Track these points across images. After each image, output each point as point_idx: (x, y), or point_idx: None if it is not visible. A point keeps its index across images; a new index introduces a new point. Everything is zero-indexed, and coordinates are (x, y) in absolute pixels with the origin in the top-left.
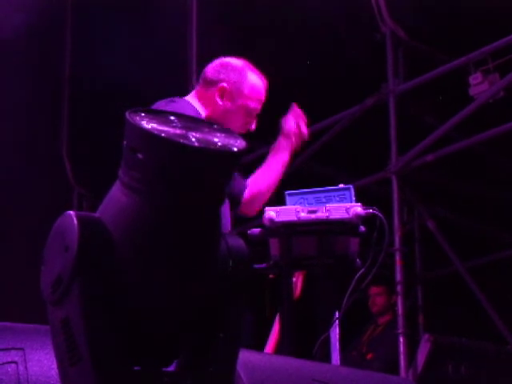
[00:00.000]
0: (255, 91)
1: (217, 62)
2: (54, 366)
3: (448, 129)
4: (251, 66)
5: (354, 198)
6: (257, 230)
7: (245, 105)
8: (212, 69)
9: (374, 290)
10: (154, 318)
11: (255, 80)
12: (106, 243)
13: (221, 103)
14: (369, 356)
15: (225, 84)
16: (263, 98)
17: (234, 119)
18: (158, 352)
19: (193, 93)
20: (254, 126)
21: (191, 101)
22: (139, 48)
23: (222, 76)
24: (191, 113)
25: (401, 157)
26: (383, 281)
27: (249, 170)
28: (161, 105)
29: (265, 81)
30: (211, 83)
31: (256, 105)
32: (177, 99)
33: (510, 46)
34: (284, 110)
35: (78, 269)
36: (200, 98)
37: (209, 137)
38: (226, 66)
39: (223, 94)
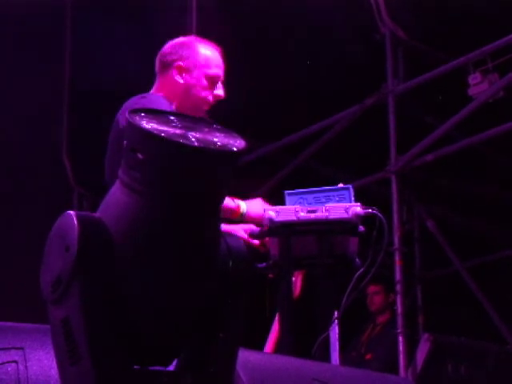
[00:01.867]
0: (210, 59)
1: (166, 45)
2: (54, 365)
3: (448, 128)
4: (200, 39)
5: (353, 198)
6: (257, 230)
7: (204, 74)
8: (163, 53)
9: (371, 288)
10: (154, 318)
11: (207, 49)
12: (106, 243)
13: (181, 81)
14: (367, 356)
15: (179, 62)
16: (221, 63)
17: (198, 92)
18: (157, 352)
19: (155, 85)
20: (223, 93)
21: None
22: (139, 48)
23: (174, 56)
24: (164, 105)
25: (400, 156)
26: (381, 279)
27: (248, 169)
28: (134, 100)
29: (218, 48)
30: (166, 66)
31: (216, 71)
32: (147, 95)
33: (510, 45)
34: (283, 110)
35: (78, 268)
36: (162, 86)
37: (208, 137)
38: (175, 45)
39: (180, 71)
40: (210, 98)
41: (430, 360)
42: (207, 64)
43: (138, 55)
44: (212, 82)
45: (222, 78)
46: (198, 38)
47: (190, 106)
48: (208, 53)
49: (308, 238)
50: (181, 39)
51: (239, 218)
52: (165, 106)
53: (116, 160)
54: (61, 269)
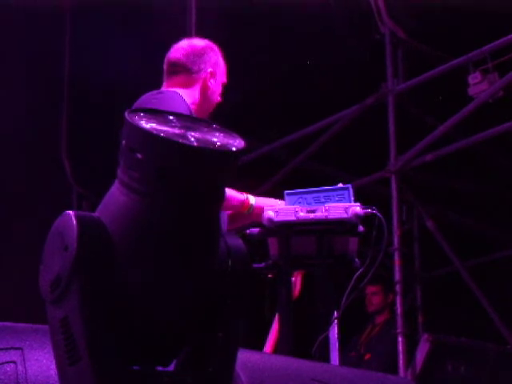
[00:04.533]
0: (224, 67)
1: (188, 48)
2: (53, 365)
3: (447, 128)
4: (218, 49)
5: (352, 198)
6: (256, 230)
7: (222, 82)
8: (191, 56)
9: (370, 289)
10: (153, 318)
11: (221, 57)
12: (105, 243)
13: (211, 86)
14: (367, 356)
15: (210, 68)
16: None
17: (215, 97)
18: (157, 352)
19: (174, 82)
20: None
21: (177, 91)
22: (139, 47)
23: (206, 60)
24: (180, 102)
25: (400, 156)
26: (379, 280)
27: (247, 169)
28: (148, 97)
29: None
30: (196, 71)
31: (226, 78)
32: (164, 90)
33: (509, 45)
34: (283, 110)
35: (77, 268)
36: (185, 86)
37: (208, 136)
38: (204, 50)
39: (211, 76)
40: (217, 99)
41: (429, 360)
42: (223, 72)
43: (137, 55)
44: (222, 88)
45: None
46: (216, 46)
47: (205, 108)
48: (222, 61)
49: (307, 237)
50: (201, 42)
51: (248, 210)
52: (180, 103)
53: None
54: (60, 269)
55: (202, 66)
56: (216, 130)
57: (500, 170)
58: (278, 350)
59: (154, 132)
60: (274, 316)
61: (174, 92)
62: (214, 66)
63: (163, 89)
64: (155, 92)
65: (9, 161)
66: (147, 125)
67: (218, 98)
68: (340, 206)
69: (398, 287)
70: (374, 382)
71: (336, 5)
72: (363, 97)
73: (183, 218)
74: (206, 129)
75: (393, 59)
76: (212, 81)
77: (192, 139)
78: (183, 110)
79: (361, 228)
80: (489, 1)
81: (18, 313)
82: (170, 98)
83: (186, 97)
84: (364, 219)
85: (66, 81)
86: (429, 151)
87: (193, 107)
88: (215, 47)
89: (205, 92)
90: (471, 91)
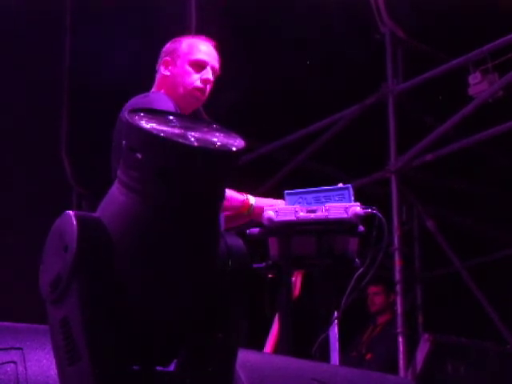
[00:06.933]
0: (193, 46)
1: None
2: (53, 365)
3: (447, 128)
4: (192, 35)
5: (352, 198)
6: (256, 230)
7: (188, 61)
8: (160, 53)
9: (372, 289)
10: (153, 318)
11: (192, 39)
12: (105, 243)
13: (167, 73)
14: (368, 356)
15: (166, 57)
16: (207, 50)
17: (183, 79)
18: (157, 351)
19: (154, 84)
20: (211, 76)
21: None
22: (139, 46)
23: (163, 54)
24: (166, 102)
25: (400, 156)
26: (381, 280)
27: (247, 169)
28: (136, 100)
29: (208, 39)
30: (159, 64)
31: (199, 56)
32: (148, 93)
33: (509, 45)
34: (283, 110)
35: (77, 268)
36: (158, 84)
37: (208, 136)
38: (166, 45)
39: (167, 64)
40: (198, 82)
41: (429, 360)
42: (190, 51)
43: (137, 54)
44: (197, 66)
45: (209, 63)
46: (190, 35)
47: (182, 96)
48: (191, 42)
49: (307, 237)
50: (175, 38)
51: (248, 210)
52: (165, 102)
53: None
54: (60, 269)
55: (159, 63)
56: (216, 129)
57: (500, 169)
58: (278, 349)
59: (154, 132)
60: (274, 316)
61: (158, 93)
62: (169, 54)
63: (149, 92)
64: (141, 96)
65: (9, 160)
66: (147, 125)
67: (190, 79)
68: (340, 205)
69: (398, 287)
70: (374, 382)
71: (336, 5)
72: (363, 97)
73: (183, 217)
74: (205, 129)
75: (393, 59)
76: (171, 68)
77: (192, 139)
78: (170, 110)
79: (361, 228)
80: (489, 1)
81: (17, 313)
82: (154, 100)
83: (166, 95)
84: (364, 219)
85: (66, 80)
86: (429, 151)
87: (174, 102)
88: (183, 37)
89: (165, 82)
90: (471, 91)
